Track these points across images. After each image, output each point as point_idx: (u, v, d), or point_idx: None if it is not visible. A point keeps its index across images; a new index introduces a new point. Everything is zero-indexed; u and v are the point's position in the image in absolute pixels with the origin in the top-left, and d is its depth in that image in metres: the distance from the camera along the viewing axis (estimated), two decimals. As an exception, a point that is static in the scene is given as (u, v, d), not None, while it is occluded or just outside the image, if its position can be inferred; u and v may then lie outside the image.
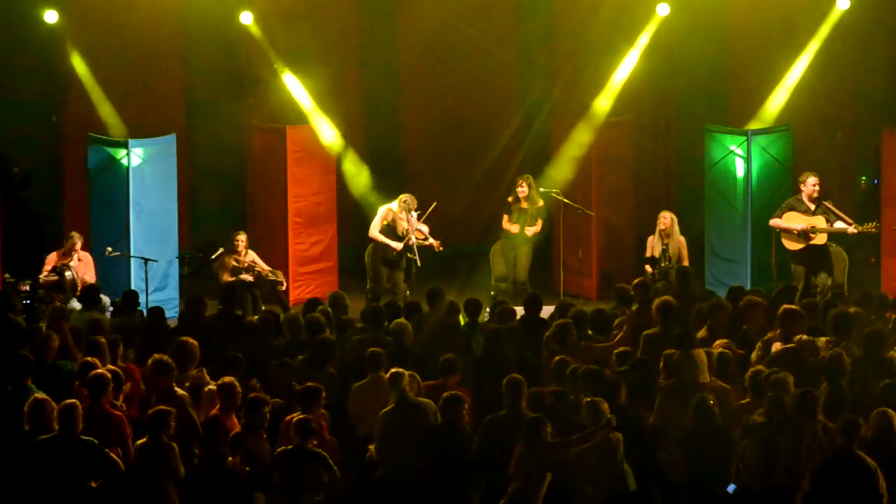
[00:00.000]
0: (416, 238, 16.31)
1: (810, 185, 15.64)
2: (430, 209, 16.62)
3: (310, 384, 10.31)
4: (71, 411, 9.37)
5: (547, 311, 14.45)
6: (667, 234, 16.46)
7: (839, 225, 15.52)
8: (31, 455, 9.30)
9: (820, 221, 15.61)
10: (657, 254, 16.44)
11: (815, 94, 18.75)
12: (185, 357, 10.99)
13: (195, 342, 11.25)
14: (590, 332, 12.52)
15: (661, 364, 10.84)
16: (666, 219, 16.50)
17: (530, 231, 16.82)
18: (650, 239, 16.63)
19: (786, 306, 11.77)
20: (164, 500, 9.39)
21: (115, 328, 12.60)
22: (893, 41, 19.14)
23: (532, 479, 9.33)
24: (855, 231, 15.49)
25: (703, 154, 17.68)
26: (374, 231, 16.47)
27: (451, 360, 11.00)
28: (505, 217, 17.01)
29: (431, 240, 16.47)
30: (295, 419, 9.70)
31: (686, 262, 16.38)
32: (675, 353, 10.75)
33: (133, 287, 16.28)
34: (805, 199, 15.69)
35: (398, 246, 16.34)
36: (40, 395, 9.87)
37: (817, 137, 19.13)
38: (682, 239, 16.55)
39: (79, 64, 18.86)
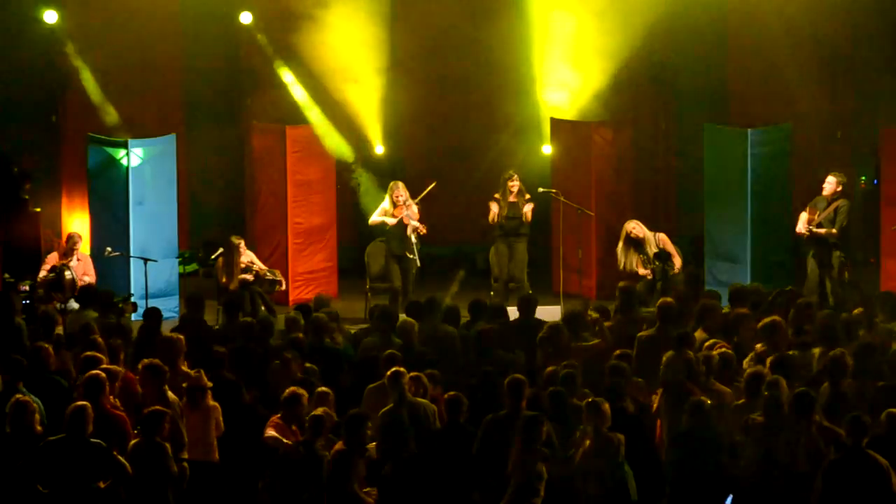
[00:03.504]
0: (405, 220, 16.32)
1: (825, 183, 15.81)
2: (429, 189, 16.65)
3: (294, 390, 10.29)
4: (81, 413, 9.33)
5: (548, 311, 14.45)
6: (642, 240, 16.18)
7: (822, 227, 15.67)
8: (40, 457, 9.28)
9: (816, 218, 15.72)
10: (649, 256, 16.20)
11: (815, 94, 18.75)
12: (172, 353, 10.99)
13: (181, 336, 11.27)
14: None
15: (662, 366, 10.83)
16: (636, 228, 16.02)
17: (528, 211, 16.73)
18: (620, 248, 16.09)
19: (765, 320, 11.71)
20: (160, 501, 9.42)
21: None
22: (893, 41, 19.13)
23: (530, 479, 9.33)
24: (803, 231, 15.71)
25: (703, 154, 17.68)
26: (373, 217, 16.63)
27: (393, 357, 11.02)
28: (491, 209, 16.85)
29: (417, 223, 16.40)
30: (310, 414, 9.78)
31: (677, 257, 16.14)
32: (669, 353, 10.74)
33: (133, 287, 16.35)
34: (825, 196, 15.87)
35: (392, 221, 16.45)
36: (22, 397, 9.78)
37: (817, 137, 19.12)
38: (662, 235, 16.24)
39: (78, 64, 18.87)
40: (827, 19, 18.87)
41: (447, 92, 20.45)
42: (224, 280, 16.32)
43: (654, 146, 20.20)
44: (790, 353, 11.25)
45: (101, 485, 9.30)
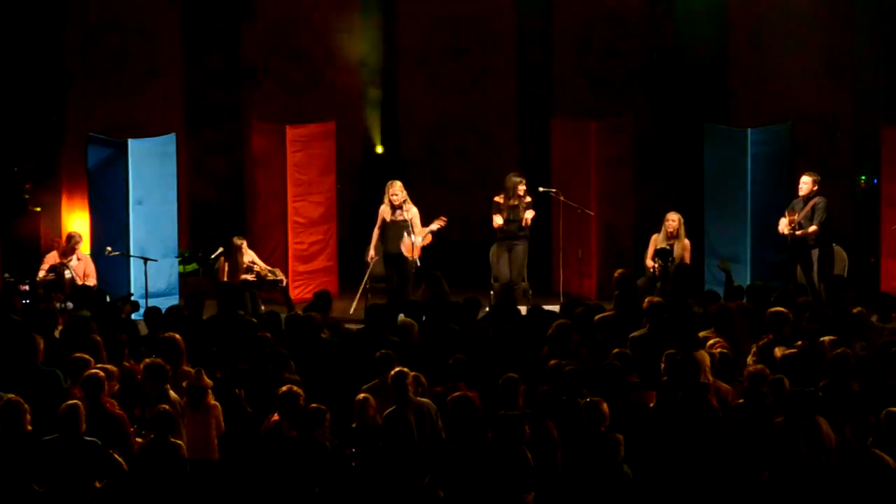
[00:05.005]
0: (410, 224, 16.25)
1: (800, 184, 15.95)
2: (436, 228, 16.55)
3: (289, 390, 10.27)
4: (73, 412, 9.32)
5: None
6: (674, 236, 16.43)
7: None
8: (35, 456, 9.28)
9: (795, 218, 15.87)
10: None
11: (815, 94, 18.74)
12: (172, 354, 11.00)
13: (180, 337, 11.28)
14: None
15: (662, 365, 10.83)
16: (674, 221, 16.47)
17: (529, 217, 16.68)
18: (654, 237, 16.58)
19: (772, 309, 11.71)
20: (173, 500, 9.44)
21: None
22: (893, 40, 19.13)
23: (515, 477, 9.33)
24: (785, 231, 15.83)
25: (703, 154, 17.68)
26: (374, 240, 16.52)
27: (461, 362, 10.96)
28: (495, 217, 16.82)
29: (422, 234, 16.34)
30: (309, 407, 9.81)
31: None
32: (679, 354, 10.73)
33: (133, 287, 16.35)
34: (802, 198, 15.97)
35: (371, 253, 16.51)
36: (14, 397, 9.74)
37: (817, 137, 19.13)
38: (687, 242, 16.51)
39: (78, 63, 18.87)
40: (827, 19, 18.86)
41: (447, 91, 20.45)
42: (225, 280, 16.33)
43: (654, 146, 20.19)
44: (798, 343, 11.26)
45: (98, 484, 9.31)
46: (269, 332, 12.28)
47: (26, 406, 9.51)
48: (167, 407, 9.71)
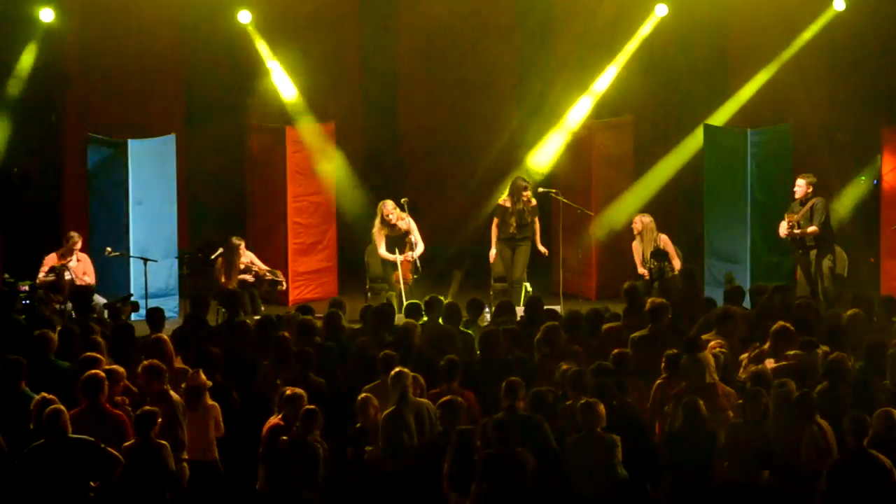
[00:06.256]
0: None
1: (796, 187, 16.11)
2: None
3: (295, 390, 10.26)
4: (57, 416, 9.30)
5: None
6: (642, 238, 16.45)
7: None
8: (27, 462, 9.25)
9: (794, 218, 15.98)
10: (645, 256, 16.40)
11: (815, 94, 18.73)
12: (160, 355, 10.99)
13: (167, 338, 11.25)
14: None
15: (663, 365, 10.83)
16: (636, 223, 16.52)
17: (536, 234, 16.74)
18: (634, 245, 16.58)
19: (781, 323, 11.64)
20: (157, 501, 9.42)
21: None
22: (892, 41, 19.12)
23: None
24: (784, 234, 15.98)
25: (703, 154, 17.68)
26: (381, 251, 16.47)
27: (454, 363, 10.94)
28: (495, 221, 16.82)
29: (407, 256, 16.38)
30: (304, 408, 9.83)
31: (677, 260, 16.34)
32: (684, 356, 10.72)
33: (133, 287, 16.35)
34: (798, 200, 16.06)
35: (393, 257, 16.41)
36: (48, 395, 9.77)
37: (817, 137, 19.12)
38: (664, 237, 16.49)
39: (78, 63, 18.87)
40: (825, 20, 18.84)
41: (447, 92, 20.44)
42: (223, 280, 16.34)
43: (654, 146, 20.17)
44: (791, 352, 11.25)
45: (93, 483, 9.28)
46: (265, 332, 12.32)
47: (66, 412, 9.47)
48: (149, 408, 9.70)
